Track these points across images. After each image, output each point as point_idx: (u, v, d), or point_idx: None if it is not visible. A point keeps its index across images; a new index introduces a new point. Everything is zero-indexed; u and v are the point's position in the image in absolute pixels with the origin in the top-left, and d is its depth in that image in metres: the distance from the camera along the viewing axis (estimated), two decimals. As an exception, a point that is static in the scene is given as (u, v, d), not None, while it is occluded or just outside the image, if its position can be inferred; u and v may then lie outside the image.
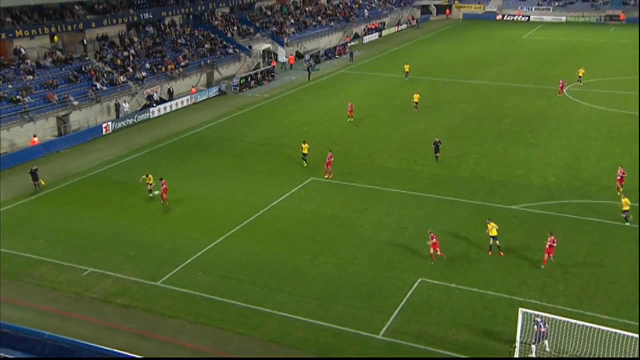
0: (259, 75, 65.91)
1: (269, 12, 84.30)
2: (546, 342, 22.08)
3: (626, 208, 31.86)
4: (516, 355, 21.33)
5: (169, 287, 26.99)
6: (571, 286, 26.61)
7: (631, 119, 50.00)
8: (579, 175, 38.95)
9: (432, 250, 28.57)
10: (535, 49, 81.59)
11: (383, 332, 23.65)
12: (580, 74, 61.36)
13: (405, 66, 64.86)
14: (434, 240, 28.39)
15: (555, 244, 27.79)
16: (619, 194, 34.27)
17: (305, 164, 40.18)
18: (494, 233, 28.85)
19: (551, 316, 21.96)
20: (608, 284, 26.77)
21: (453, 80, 64.52)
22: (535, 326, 21.86)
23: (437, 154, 41.11)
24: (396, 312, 24.85)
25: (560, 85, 57.73)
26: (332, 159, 38.64)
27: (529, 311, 21.88)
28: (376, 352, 22.67)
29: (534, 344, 21.96)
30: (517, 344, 21.32)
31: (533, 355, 21.92)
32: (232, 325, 24.14)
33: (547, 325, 21.79)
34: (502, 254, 28.91)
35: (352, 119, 49.90)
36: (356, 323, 24.18)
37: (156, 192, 35.86)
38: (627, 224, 31.89)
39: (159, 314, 24.99)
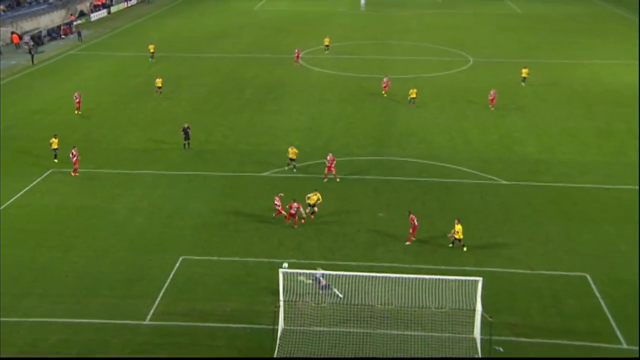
0: (-34, 62, 58.37)
1: (-35, -15, 73.99)
2: (335, 290, 23.85)
3: (292, 157, 35.41)
4: (281, 312, 22.32)
5: None
6: (324, 241, 28.69)
7: (356, 80, 54.66)
8: (320, 136, 41.79)
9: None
10: (267, 19, 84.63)
11: (149, 317, 23.33)
12: (327, 43, 65.16)
13: (150, 46, 62.51)
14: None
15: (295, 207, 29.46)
16: (326, 180, 34.76)
17: (56, 161, 36.72)
18: (313, 201, 30.03)
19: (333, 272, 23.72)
20: (354, 233, 29.39)
21: (192, 55, 64.19)
22: (315, 282, 23.91)
23: (188, 142, 38.76)
24: (161, 294, 24.63)
25: (296, 54, 60.68)
26: (77, 157, 35.07)
27: (289, 271, 23.10)
28: (144, 338, 22.31)
29: (322, 293, 24.02)
30: (281, 303, 22.39)
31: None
32: (-27, 346, 21.74)
33: (324, 279, 23.87)
34: (312, 217, 30.07)
35: (79, 112, 45.90)
36: (120, 313, 23.51)
37: None
38: (288, 167, 35.67)
39: None
